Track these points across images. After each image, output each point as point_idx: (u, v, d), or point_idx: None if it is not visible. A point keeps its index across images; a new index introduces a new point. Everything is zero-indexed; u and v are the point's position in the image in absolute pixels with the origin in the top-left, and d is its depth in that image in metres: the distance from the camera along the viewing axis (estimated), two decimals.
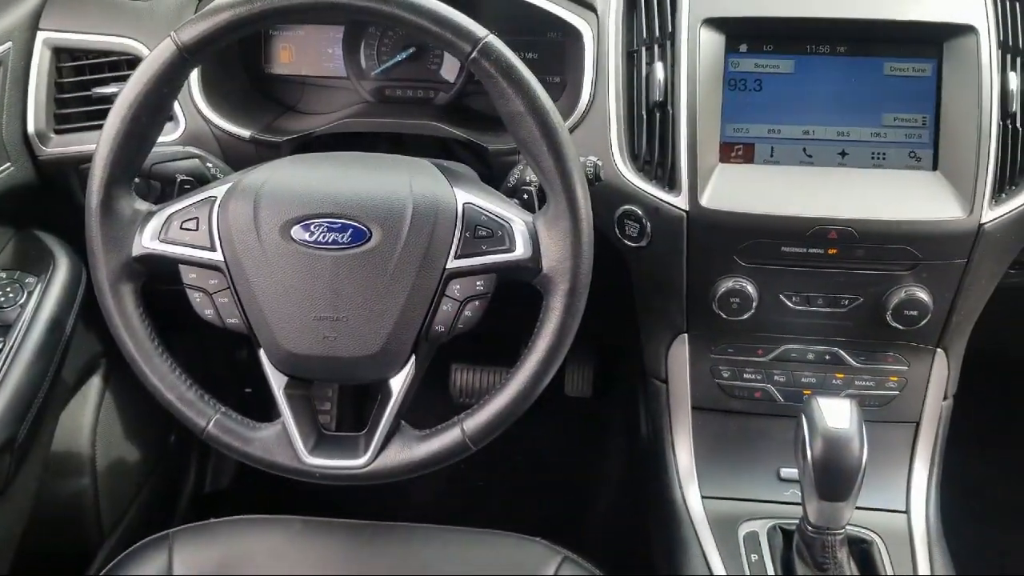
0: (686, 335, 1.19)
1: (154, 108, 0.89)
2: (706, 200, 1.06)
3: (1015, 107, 1.03)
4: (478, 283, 0.91)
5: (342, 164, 0.98)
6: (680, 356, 1.20)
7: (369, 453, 0.94)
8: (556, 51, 1.21)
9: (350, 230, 0.90)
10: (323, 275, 0.90)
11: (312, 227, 0.90)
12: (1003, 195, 1.04)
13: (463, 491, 1.88)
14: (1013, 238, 1.07)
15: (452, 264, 0.91)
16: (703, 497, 1.18)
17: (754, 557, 1.09)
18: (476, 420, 0.92)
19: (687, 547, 1.14)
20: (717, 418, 1.21)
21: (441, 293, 0.91)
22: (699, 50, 1.06)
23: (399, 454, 0.94)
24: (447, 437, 0.93)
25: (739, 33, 1.08)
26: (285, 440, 0.94)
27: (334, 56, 1.29)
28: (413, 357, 0.93)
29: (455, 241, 0.91)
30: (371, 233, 0.89)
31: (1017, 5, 1.06)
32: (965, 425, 1.22)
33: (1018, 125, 1.04)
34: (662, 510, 1.21)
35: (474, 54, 0.86)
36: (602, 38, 1.12)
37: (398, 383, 0.93)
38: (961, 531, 1.19)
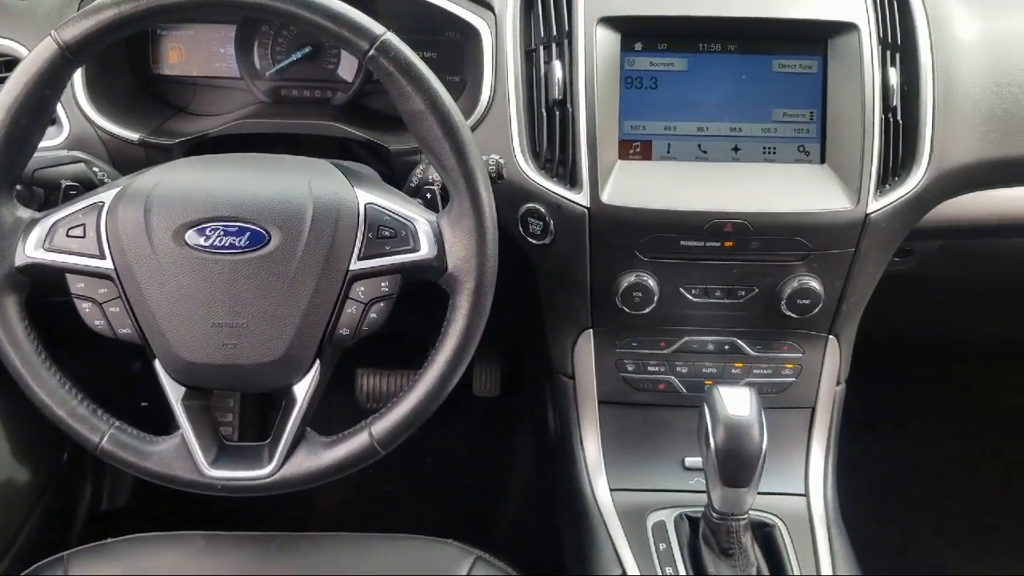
0: (591, 331, 1.20)
1: (35, 111, 0.85)
2: (607, 197, 1.08)
3: (895, 101, 1.08)
4: (383, 284, 0.90)
5: (238, 166, 0.95)
6: (586, 351, 1.21)
7: (274, 462, 0.91)
8: (455, 50, 1.21)
9: (248, 233, 0.87)
10: (220, 281, 0.87)
11: (207, 231, 0.87)
12: (887, 186, 1.09)
13: (372, 497, 1.85)
14: (897, 227, 1.12)
15: (355, 266, 0.89)
16: (611, 489, 1.20)
17: (662, 546, 1.11)
18: (384, 423, 0.91)
19: (597, 540, 1.15)
20: (623, 411, 1.23)
21: (345, 295, 0.89)
22: (596, 49, 1.08)
23: (305, 462, 0.92)
24: (355, 442, 0.91)
25: (634, 32, 1.10)
26: (184, 453, 0.91)
27: (226, 56, 1.25)
28: (317, 362, 0.91)
29: (358, 242, 0.89)
30: (270, 236, 0.87)
31: (895, 3, 1.11)
32: (857, 409, 1.27)
33: (899, 119, 1.08)
34: (572, 504, 1.22)
35: (372, 52, 0.85)
36: (500, 37, 1.13)
37: (302, 389, 0.91)
38: (858, 512, 1.24)
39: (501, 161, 1.04)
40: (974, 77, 1.11)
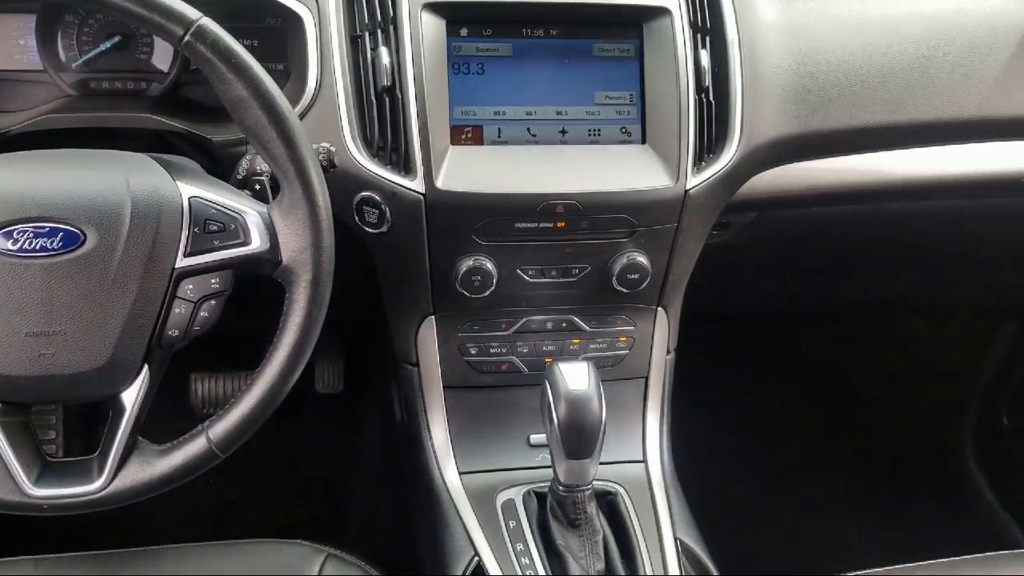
0: (433, 317, 1.20)
1: None
2: (441, 182, 1.08)
3: (708, 82, 1.14)
4: (213, 281, 0.87)
5: (46, 163, 0.89)
6: (429, 338, 1.22)
7: (104, 475, 0.86)
8: (277, 38, 1.17)
9: (60, 234, 0.82)
10: (32, 286, 0.81)
11: (15, 234, 0.81)
12: (703, 163, 1.14)
13: (213, 505, 1.79)
14: (714, 201, 1.18)
15: (182, 263, 0.85)
16: (461, 473, 1.21)
17: (512, 523, 1.13)
18: (222, 426, 0.88)
19: (448, 523, 1.16)
20: (469, 395, 1.24)
21: (172, 295, 0.86)
22: (422, 35, 1.08)
23: (139, 472, 0.87)
24: (192, 447, 0.88)
25: (458, 18, 1.10)
26: (3, 473, 0.85)
27: (27, 48, 1.16)
28: (146, 367, 0.87)
29: (183, 238, 0.85)
30: (85, 236, 0.82)
31: None
32: (687, 377, 1.34)
33: (711, 99, 1.14)
34: (422, 492, 1.23)
35: (187, 38, 0.81)
36: (324, 23, 1.10)
37: (131, 396, 0.87)
38: (692, 476, 1.30)
39: (332, 149, 1.02)
40: (777, 58, 1.19)
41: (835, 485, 1.99)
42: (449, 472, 1.21)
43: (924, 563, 1.07)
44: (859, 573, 1.05)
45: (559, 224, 1.12)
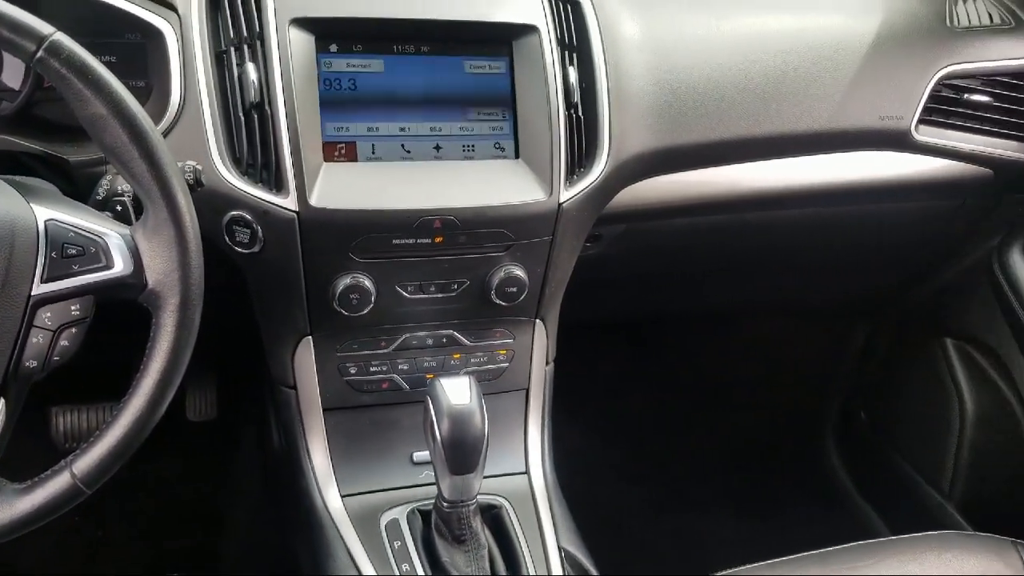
0: (310, 337, 1.18)
1: None
2: (315, 200, 1.06)
3: (576, 98, 1.16)
4: (73, 308, 0.83)
5: None
6: (306, 359, 1.19)
7: None
8: (137, 54, 1.13)
9: None
10: None
11: None
12: (575, 177, 1.17)
13: (82, 544, 1.69)
14: (586, 214, 1.20)
15: (38, 290, 0.81)
16: (343, 496, 1.19)
17: (397, 544, 1.12)
18: (87, 460, 0.83)
19: (331, 549, 1.14)
20: (349, 415, 1.22)
21: (28, 324, 0.81)
22: (290, 50, 1.06)
23: None
24: (54, 484, 0.83)
25: (327, 33, 1.09)
26: None
27: None
28: (1, 401, 0.82)
29: (39, 264, 0.81)
30: None
31: (569, 7, 1.19)
32: (565, 386, 1.36)
33: (580, 114, 1.17)
34: (303, 518, 1.20)
35: (40, 54, 0.77)
36: (187, 39, 1.07)
37: None
38: (574, 484, 1.32)
39: (199, 167, 0.99)
40: (641, 74, 1.23)
41: (710, 485, 2.06)
42: (331, 496, 1.19)
43: (790, 557, 1.12)
44: (731, 571, 1.09)
45: (437, 239, 1.12)
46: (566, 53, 1.17)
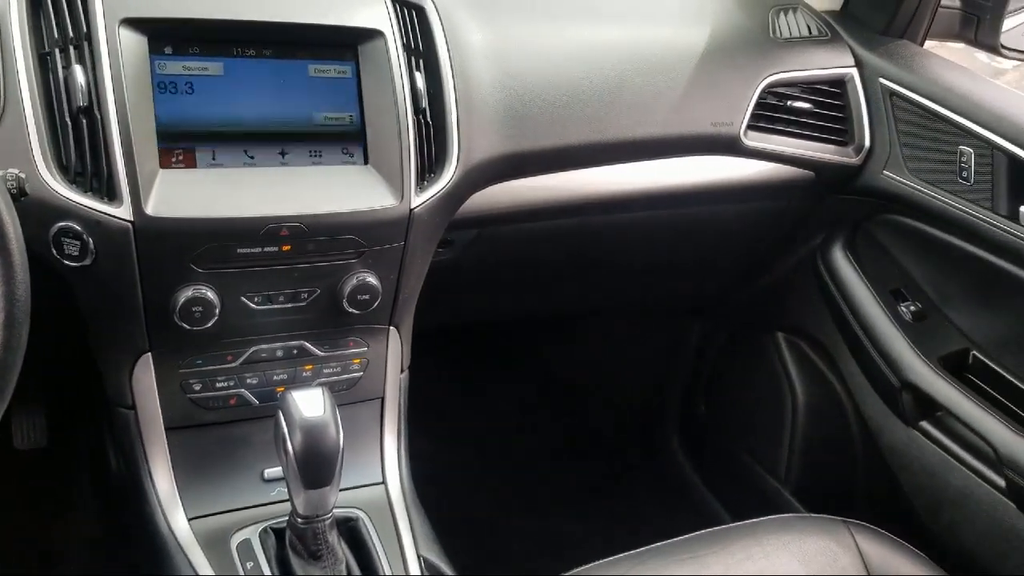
0: (150, 354, 1.12)
1: None
2: (151, 209, 1.01)
3: (424, 104, 1.16)
4: None
5: None
6: (145, 378, 1.13)
7: None
8: None
9: None
10: None
11: None
12: (425, 182, 1.16)
13: None
14: (438, 219, 1.20)
15: None
16: (190, 519, 1.14)
17: (250, 564, 1.09)
18: None
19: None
20: (195, 434, 1.17)
21: None
22: (121, 52, 1.00)
23: None
24: None
25: (161, 35, 1.04)
26: None
27: None
28: None
29: None
30: None
31: (414, 13, 1.19)
32: (419, 393, 1.35)
33: (429, 120, 1.17)
34: (147, 545, 1.14)
35: None
36: (4, 39, 1.00)
37: None
38: (431, 491, 1.32)
39: (22, 175, 0.92)
40: (488, 81, 1.24)
41: (563, 485, 2.10)
42: (177, 520, 1.14)
43: (637, 551, 1.15)
44: (580, 570, 1.11)
45: (284, 248, 1.09)
46: (412, 59, 1.17)
